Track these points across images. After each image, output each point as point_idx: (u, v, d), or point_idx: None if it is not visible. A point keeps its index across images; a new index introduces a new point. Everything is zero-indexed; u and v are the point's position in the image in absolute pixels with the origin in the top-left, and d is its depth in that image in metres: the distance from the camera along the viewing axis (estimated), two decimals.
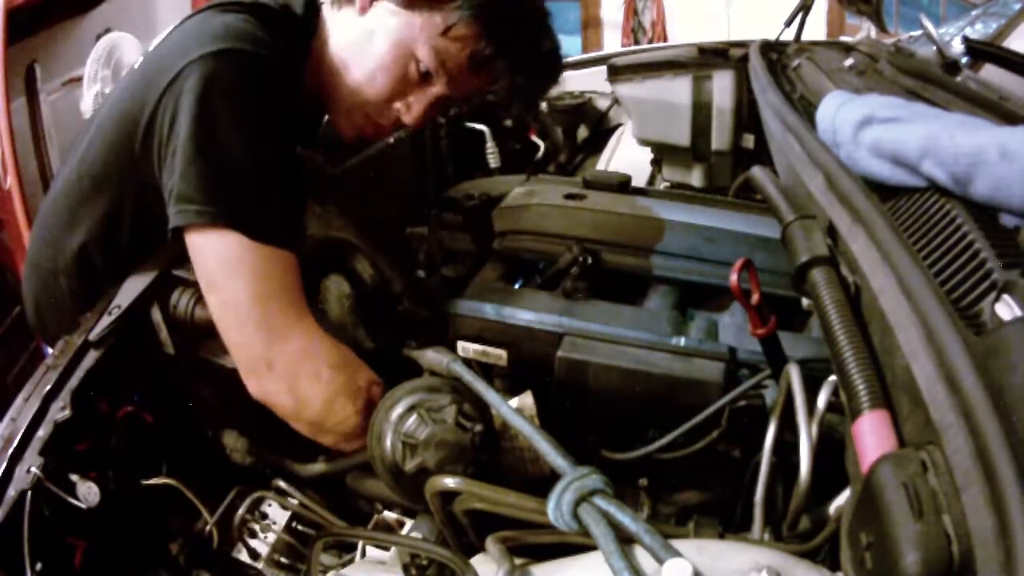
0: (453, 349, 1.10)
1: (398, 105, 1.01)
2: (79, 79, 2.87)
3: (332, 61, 1.00)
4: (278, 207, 0.88)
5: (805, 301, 0.83)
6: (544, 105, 2.28)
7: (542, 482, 0.75)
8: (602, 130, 2.32)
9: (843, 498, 0.65)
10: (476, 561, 0.72)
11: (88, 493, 0.87)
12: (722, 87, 1.83)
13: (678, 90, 1.86)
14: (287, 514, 1.01)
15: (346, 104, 1.01)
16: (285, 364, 0.88)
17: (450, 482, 0.75)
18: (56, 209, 1.04)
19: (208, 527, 0.97)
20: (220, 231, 0.84)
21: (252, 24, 0.88)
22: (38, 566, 0.79)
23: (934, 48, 1.20)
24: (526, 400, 0.96)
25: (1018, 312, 0.51)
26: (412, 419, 0.82)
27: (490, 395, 0.83)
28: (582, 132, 2.33)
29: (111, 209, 0.98)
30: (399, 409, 0.84)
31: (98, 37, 2.88)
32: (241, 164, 0.83)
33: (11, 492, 0.82)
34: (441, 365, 0.93)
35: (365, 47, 0.97)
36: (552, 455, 0.70)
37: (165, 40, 0.94)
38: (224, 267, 0.86)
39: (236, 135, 0.83)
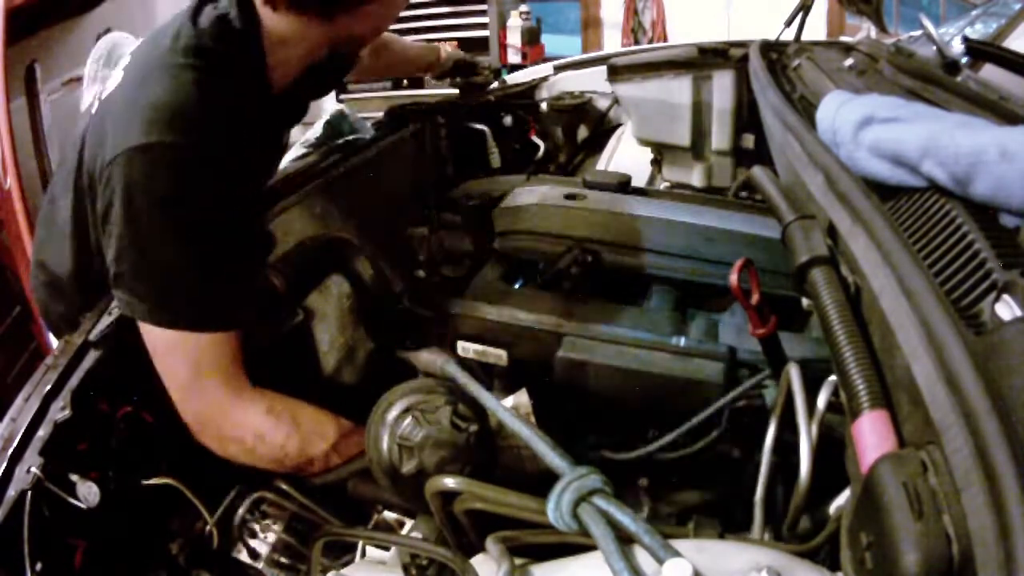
0: (453, 349, 1.10)
1: None
2: (79, 79, 2.87)
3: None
4: (211, 295, 0.87)
5: (805, 301, 0.83)
6: (544, 105, 2.28)
7: (540, 479, 0.75)
8: (602, 130, 2.32)
9: (843, 498, 0.65)
10: (476, 561, 0.72)
11: (88, 493, 0.87)
12: (722, 87, 1.83)
13: (678, 90, 1.86)
14: (287, 514, 1.01)
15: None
16: (214, 430, 0.95)
17: (450, 482, 0.75)
18: (54, 210, 1.05)
19: (208, 527, 0.97)
20: (148, 324, 0.88)
21: (189, 86, 0.82)
22: (38, 566, 0.79)
23: (934, 48, 1.20)
24: (521, 398, 0.96)
25: (1018, 312, 0.51)
26: (407, 421, 0.82)
27: (485, 396, 0.83)
28: (582, 132, 2.33)
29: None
30: (394, 412, 0.84)
31: (98, 37, 2.87)
32: (166, 266, 0.85)
33: (11, 492, 0.82)
34: (435, 366, 0.93)
35: None
36: (550, 455, 0.70)
37: (116, 91, 0.90)
38: (154, 351, 0.90)
39: (160, 240, 0.83)
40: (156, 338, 0.89)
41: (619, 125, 2.28)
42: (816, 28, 4.55)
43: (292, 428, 0.95)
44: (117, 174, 0.80)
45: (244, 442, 0.95)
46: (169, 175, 0.79)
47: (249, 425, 0.94)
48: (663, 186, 2.01)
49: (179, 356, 0.90)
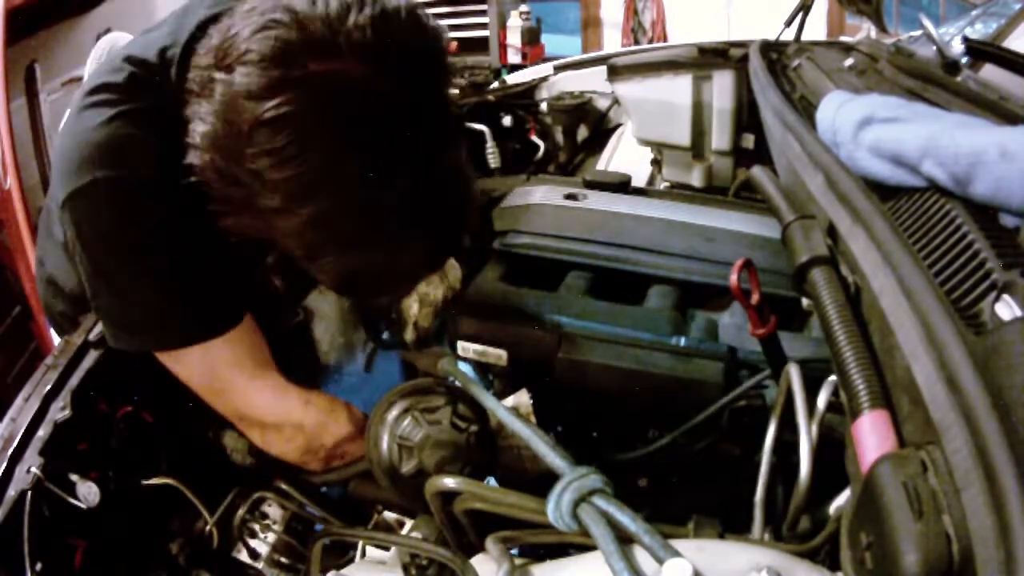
0: (453, 349, 1.10)
1: None
2: (79, 79, 2.87)
3: None
4: (192, 306, 0.86)
5: (805, 301, 0.83)
6: (544, 105, 2.28)
7: (541, 480, 0.75)
8: (602, 130, 2.32)
9: (843, 498, 0.65)
10: (476, 561, 0.72)
11: (88, 493, 0.87)
12: (722, 87, 1.83)
13: (678, 90, 1.86)
14: (287, 514, 1.01)
15: None
16: (250, 425, 0.96)
17: (450, 482, 0.75)
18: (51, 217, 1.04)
19: (208, 527, 0.97)
20: (142, 347, 0.87)
21: (123, 122, 0.80)
22: (38, 566, 0.79)
23: (934, 48, 1.20)
24: (522, 398, 0.96)
25: (1018, 312, 0.51)
26: (407, 421, 0.82)
27: (485, 396, 0.83)
28: (582, 132, 2.33)
29: None
30: (394, 412, 0.84)
31: (98, 37, 2.88)
32: (134, 292, 0.84)
33: (11, 492, 0.82)
34: (435, 366, 0.93)
35: None
36: (550, 456, 0.70)
37: (59, 138, 0.87)
38: (171, 368, 0.89)
39: (120, 271, 0.83)
40: (164, 357, 0.88)
41: (619, 125, 2.28)
42: (816, 28, 4.55)
43: (327, 417, 0.95)
44: (67, 217, 0.82)
45: (283, 431, 0.94)
46: (111, 208, 0.80)
47: (289, 416, 0.94)
48: (663, 186, 2.01)
49: (194, 367, 0.89)
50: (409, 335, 1.17)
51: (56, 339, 1.07)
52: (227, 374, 0.90)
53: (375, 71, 0.67)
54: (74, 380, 0.93)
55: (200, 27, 0.81)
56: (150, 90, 0.82)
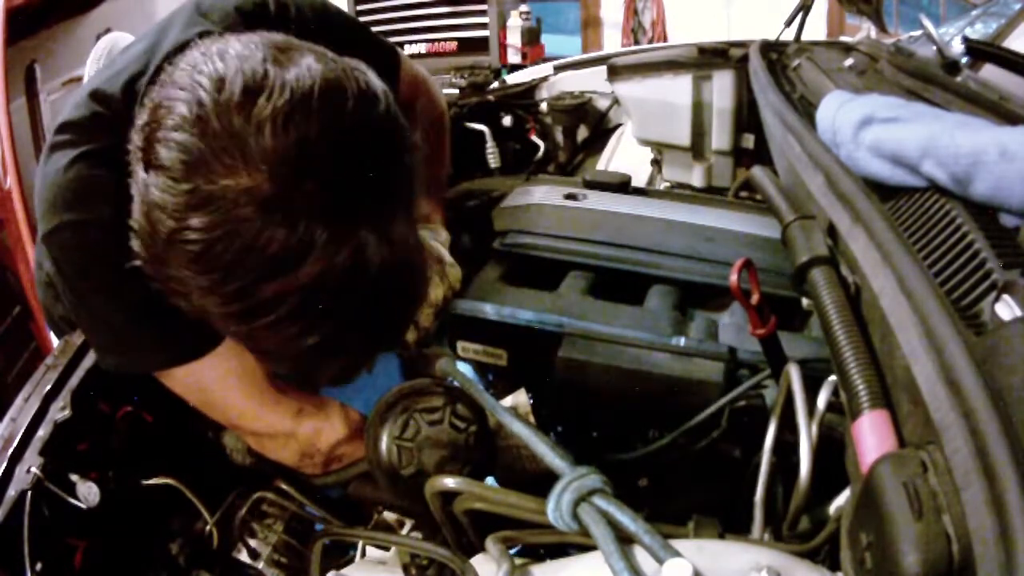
0: (453, 349, 1.10)
1: None
2: (79, 79, 2.87)
3: None
4: (173, 329, 0.84)
5: (805, 301, 0.83)
6: (544, 105, 2.28)
7: (540, 479, 0.75)
8: (602, 130, 2.32)
9: (843, 498, 0.65)
10: (476, 561, 0.72)
11: (88, 493, 0.87)
12: (722, 87, 1.83)
13: (678, 90, 1.86)
14: (287, 514, 1.01)
15: None
16: (245, 433, 0.98)
17: (450, 482, 0.75)
18: None
19: (208, 527, 0.97)
20: (127, 370, 0.89)
21: (84, 164, 0.81)
22: (38, 566, 0.80)
23: (934, 48, 1.20)
24: (520, 398, 0.96)
25: (1018, 312, 0.51)
26: (406, 422, 0.82)
27: (484, 397, 0.83)
28: (582, 132, 2.32)
29: None
30: (393, 413, 0.84)
31: (98, 37, 2.87)
32: (114, 321, 0.85)
33: (11, 492, 0.82)
34: (435, 366, 0.93)
35: None
36: (550, 456, 0.70)
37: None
38: (159, 379, 0.90)
39: (98, 302, 0.84)
40: (158, 375, 0.89)
41: (619, 125, 2.28)
42: (816, 28, 4.55)
43: (321, 423, 0.96)
44: (45, 253, 0.84)
45: (277, 439, 0.96)
46: (82, 249, 0.82)
47: (281, 426, 0.95)
48: (663, 186, 2.01)
49: (182, 385, 0.90)
50: (409, 336, 1.17)
51: (56, 339, 1.07)
52: (214, 390, 0.91)
53: (285, 179, 0.60)
54: (74, 380, 0.94)
55: (168, 57, 0.78)
56: (113, 128, 0.80)
